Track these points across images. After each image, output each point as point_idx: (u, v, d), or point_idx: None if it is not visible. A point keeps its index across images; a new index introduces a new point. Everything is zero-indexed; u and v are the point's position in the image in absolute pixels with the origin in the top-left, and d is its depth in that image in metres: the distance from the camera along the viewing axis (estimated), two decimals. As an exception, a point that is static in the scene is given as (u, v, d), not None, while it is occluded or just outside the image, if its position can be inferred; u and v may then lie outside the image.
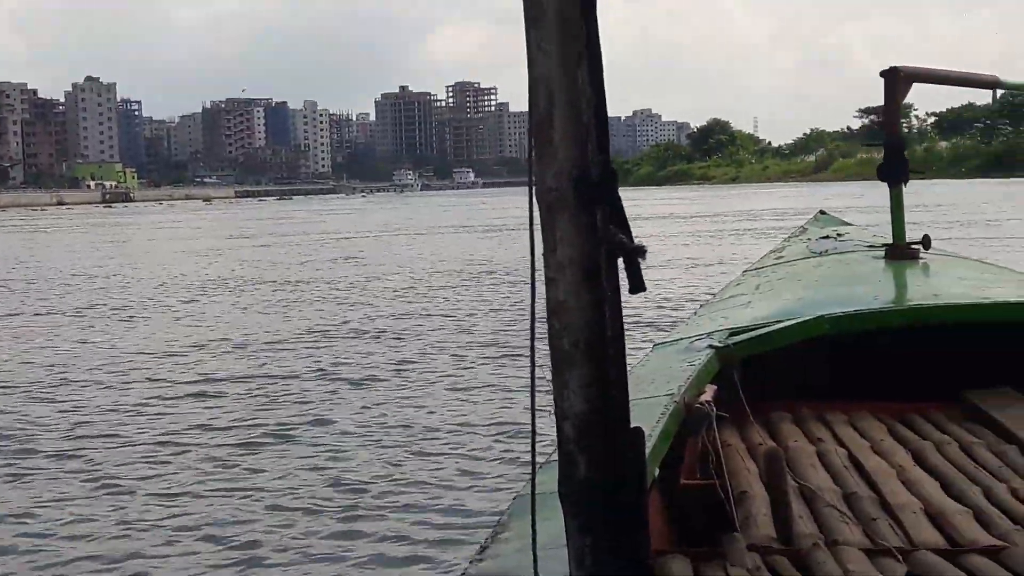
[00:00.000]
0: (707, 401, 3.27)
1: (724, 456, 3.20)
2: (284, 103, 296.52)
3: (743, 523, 2.77)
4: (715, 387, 3.61)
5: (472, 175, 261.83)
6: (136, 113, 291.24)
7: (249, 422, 9.93)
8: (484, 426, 9.37)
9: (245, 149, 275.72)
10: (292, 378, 12.07)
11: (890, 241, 5.95)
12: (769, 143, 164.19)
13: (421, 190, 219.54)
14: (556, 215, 1.76)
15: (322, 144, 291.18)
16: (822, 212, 8.50)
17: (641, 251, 1.79)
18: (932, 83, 6.69)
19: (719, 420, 3.24)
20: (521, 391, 10.72)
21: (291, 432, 9.49)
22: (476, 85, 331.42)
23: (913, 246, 5.85)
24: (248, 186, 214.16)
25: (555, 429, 1.82)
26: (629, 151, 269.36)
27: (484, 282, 22.58)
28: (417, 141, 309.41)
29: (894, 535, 2.72)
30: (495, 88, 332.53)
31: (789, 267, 6.25)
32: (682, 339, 4.58)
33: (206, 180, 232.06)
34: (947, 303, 4.37)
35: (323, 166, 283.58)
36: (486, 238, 40.05)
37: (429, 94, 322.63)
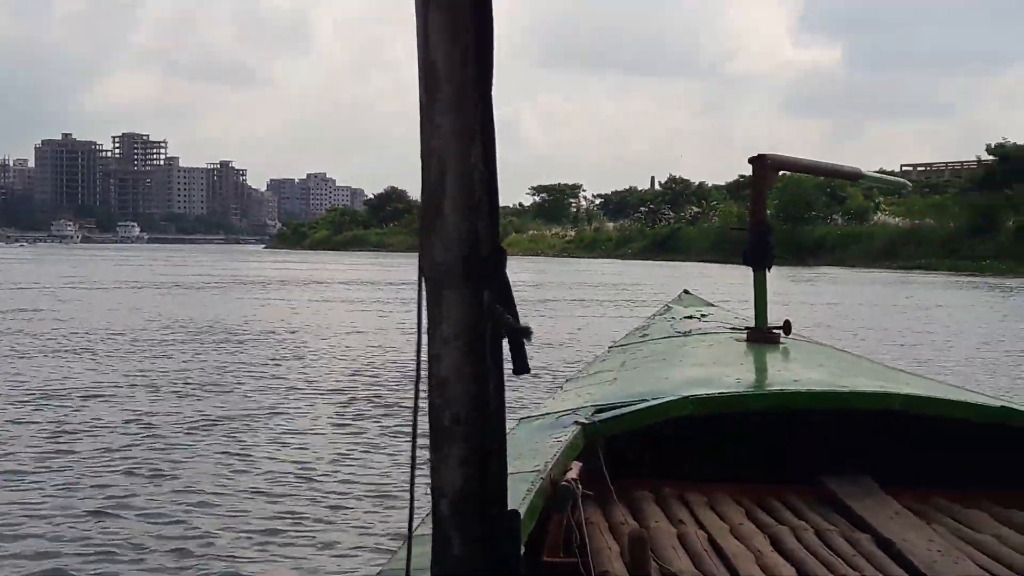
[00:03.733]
0: (573, 479, 3.32)
1: (587, 534, 3.22)
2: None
3: None
4: (580, 464, 3.60)
5: (137, 229, 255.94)
6: None
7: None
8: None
9: None
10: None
11: (751, 324, 5.99)
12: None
13: (81, 242, 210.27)
14: (443, 290, 1.74)
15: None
16: (686, 292, 8.66)
17: (527, 332, 1.77)
18: (797, 171, 6.82)
19: (583, 498, 3.27)
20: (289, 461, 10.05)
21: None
22: (145, 137, 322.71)
23: (774, 330, 5.88)
24: None
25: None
26: (303, 214, 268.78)
27: (188, 341, 21.44)
28: (79, 191, 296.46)
29: None
30: (165, 141, 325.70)
31: (654, 345, 6.32)
32: (548, 414, 4.54)
33: None
34: (807, 389, 4.44)
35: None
36: (181, 295, 38.35)
37: (94, 143, 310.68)
